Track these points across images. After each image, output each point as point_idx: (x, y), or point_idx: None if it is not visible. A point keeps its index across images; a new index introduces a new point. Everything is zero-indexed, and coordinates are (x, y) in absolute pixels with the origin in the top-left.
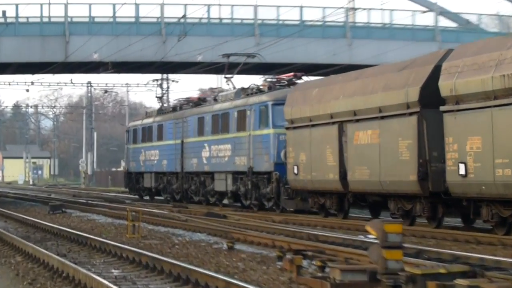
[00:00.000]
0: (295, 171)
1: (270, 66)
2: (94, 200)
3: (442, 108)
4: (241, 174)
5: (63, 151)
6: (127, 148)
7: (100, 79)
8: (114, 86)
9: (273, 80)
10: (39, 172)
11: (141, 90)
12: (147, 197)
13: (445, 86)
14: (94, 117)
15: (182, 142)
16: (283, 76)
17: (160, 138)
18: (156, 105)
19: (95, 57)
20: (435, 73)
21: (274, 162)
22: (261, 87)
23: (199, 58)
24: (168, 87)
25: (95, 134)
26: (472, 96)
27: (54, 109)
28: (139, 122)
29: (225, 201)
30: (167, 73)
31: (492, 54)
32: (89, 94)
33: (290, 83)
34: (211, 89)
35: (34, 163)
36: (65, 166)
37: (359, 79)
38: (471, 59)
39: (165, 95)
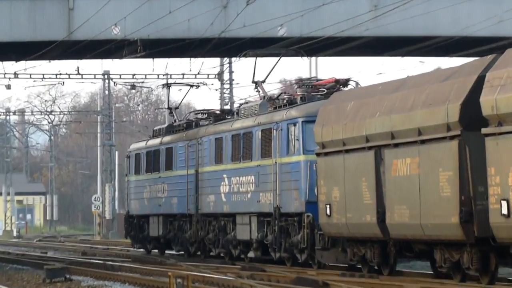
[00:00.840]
0: (328, 211)
1: (394, 42)
2: (115, 259)
3: (483, 130)
4: (267, 216)
5: (66, 183)
6: (127, 181)
7: (124, 68)
8: (145, 78)
9: (310, 87)
10: (28, 216)
11: (189, 85)
12: (155, 251)
13: (487, 102)
14: (115, 127)
15: (197, 172)
16: (323, 81)
17: (169, 166)
18: (216, 107)
19: (116, 32)
20: (479, 85)
21: (305, 200)
22: (294, 96)
23: (281, 33)
24: (231, 80)
25: (116, 154)
26: None
27: (51, 116)
28: (142, 145)
29: (251, 254)
30: (229, 56)
31: None
32: (107, 92)
33: (332, 91)
34: (299, 82)
35: (19, 202)
36: (68, 206)
37: (399, 90)
38: None
39: (227, 92)
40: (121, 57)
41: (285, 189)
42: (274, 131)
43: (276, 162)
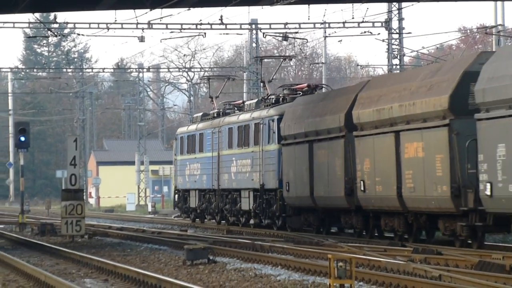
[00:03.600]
0: (287, 188)
1: None
2: (265, 239)
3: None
4: (257, 191)
5: None
6: (175, 160)
7: (274, 16)
8: (299, 27)
9: (290, 89)
10: (165, 189)
11: (355, 32)
12: (197, 220)
13: None
14: (262, 91)
15: (218, 154)
16: (299, 86)
17: (201, 149)
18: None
19: None
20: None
21: (278, 179)
22: (281, 96)
23: None
24: (401, 29)
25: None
26: None
27: (190, 73)
28: (185, 129)
29: (251, 221)
30: (399, 0)
31: None
32: (254, 44)
33: (307, 93)
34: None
35: (154, 172)
36: None
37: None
38: None
39: (396, 44)
40: (271, 3)
41: (267, 170)
42: (261, 125)
43: (262, 150)
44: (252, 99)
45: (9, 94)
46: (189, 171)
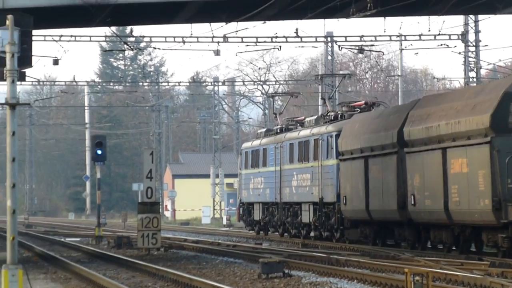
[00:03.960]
0: (344, 201)
1: None
2: (340, 252)
3: None
4: (317, 204)
5: None
6: (239, 174)
7: (350, 29)
8: (375, 40)
9: (348, 106)
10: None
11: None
12: (261, 232)
13: None
14: (339, 99)
15: (280, 169)
16: (357, 103)
17: (264, 163)
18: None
19: None
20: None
21: (337, 192)
22: (339, 112)
23: None
24: (477, 42)
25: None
26: None
27: (265, 86)
28: (249, 144)
29: (312, 234)
30: (476, 13)
31: None
32: (329, 57)
33: (364, 110)
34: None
35: (229, 185)
36: None
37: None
38: None
39: (473, 56)
40: (347, 15)
41: (326, 184)
42: (320, 140)
43: (321, 164)
44: (312, 116)
45: (86, 108)
46: (253, 185)
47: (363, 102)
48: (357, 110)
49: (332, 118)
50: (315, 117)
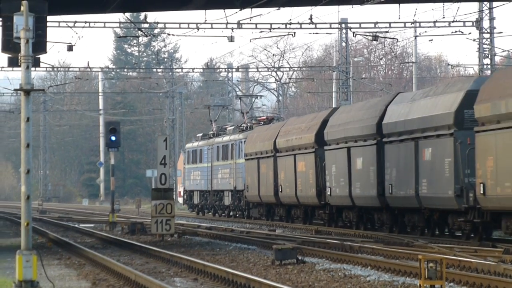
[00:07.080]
0: (247, 189)
1: None
2: (354, 239)
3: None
4: (239, 192)
5: None
6: (184, 167)
7: (364, 15)
8: (389, 27)
9: (254, 120)
10: None
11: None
12: (201, 213)
13: None
14: (353, 85)
15: (211, 165)
16: (261, 118)
17: (200, 160)
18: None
19: None
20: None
21: (243, 184)
22: (250, 123)
23: None
24: (492, 29)
25: None
26: None
27: (279, 73)
28: (190, 145)
29: (232, 213)
30: None
31: None
32: (344, 44)
33: (267, 123)
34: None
35: None
36: None
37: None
38: None
39: (487, 43)
40: (362, 2)
41: (238, 177)
42: (235, 145)
43: (235, 162)
44: (233, 125)
45: (100, 94)
46: (193, 177)
47: (265, 117)
48: (261, 123)
49: (244, 128)
50: (233, 126)
